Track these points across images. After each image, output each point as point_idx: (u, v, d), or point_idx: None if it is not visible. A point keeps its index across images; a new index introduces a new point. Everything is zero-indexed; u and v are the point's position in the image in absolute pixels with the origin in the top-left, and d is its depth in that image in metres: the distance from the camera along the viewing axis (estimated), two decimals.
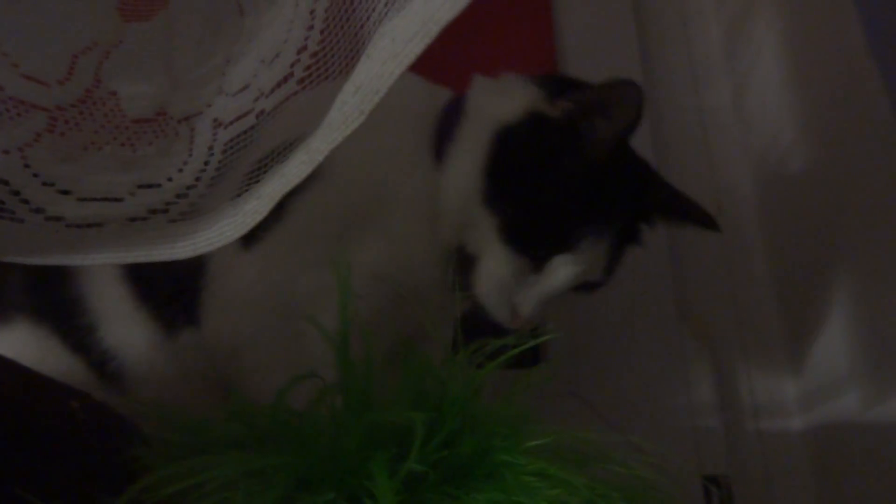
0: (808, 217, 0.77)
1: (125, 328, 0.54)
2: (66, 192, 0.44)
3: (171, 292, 0.53)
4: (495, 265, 0.53)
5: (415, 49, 0.30)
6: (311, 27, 0.37)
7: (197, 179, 0.44)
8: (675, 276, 0.82)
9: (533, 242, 0.53)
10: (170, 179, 0.45)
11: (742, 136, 0.89)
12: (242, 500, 0.32)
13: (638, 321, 0.79)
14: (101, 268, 0.53)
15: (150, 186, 0.44)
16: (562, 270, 0.54)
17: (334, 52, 0.37)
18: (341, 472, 0.34)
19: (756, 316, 0.81)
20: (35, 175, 0.43)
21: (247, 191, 0.41)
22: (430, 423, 0.35)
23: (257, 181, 0.40)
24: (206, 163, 0.43)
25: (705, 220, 0.61)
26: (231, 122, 0.43)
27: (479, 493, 0.34)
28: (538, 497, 0.34)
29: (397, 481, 0.33)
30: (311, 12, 0.37)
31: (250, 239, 0.52)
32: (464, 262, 0.54)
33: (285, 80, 0.40)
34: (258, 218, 0.38)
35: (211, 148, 0.44)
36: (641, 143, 0.88)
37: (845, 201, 0.71)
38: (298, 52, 0.38)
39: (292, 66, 0.39)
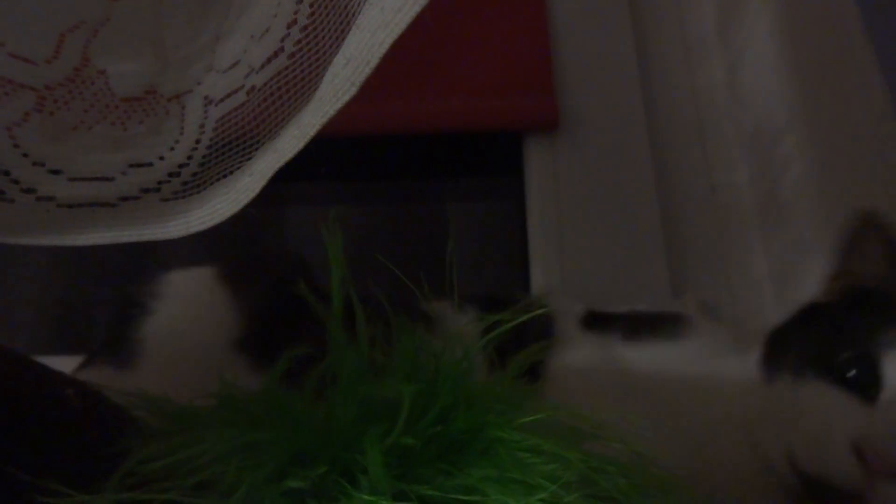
0: (801, 192, 0.77)
1: None
2: (56, 172, 0.44)
3: None
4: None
5: (405, 17, 0.29)
6: (301, 0, 0.37)
7: (189, 158, 0.43)
8: (669, 254, 0.82)
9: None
10: (161, 158, 0.44)
11: (735, 115, 0.89)
12: (235, 474, 0.32)
13: (632, 300, 0.79)
14: None
15: (141, 165, 0.44)
16: None
17: (325, 26, 0.36)
18: (335, 448, 0.34)
19: (750, 294, 0.81)
20: (25, 155, 0.43)
21: (239, 168, 0.40)
22: (423, 399, 0.34)
23: (250, 158, 0.40)
24: (197, 141, 0.43)
25: None
26: (222, 100, 0.43)
27: (473, 468, 0.34)
28: (532, 473, 0.33)
29: (389, 456, 0.33)
30: None
31: None
32: None
33: (275, 55, 0.39)
34: (251, 195, 0.38)
35: (202, 126, 0.43)
36: (635, 122, 0.89)
37: (834, 172, 0.71)
38: (288, 27, 0.38)
39: (282, 40, 0.39)
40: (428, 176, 0.97)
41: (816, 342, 0.44)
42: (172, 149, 0.44)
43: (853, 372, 0.41)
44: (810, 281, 0.73)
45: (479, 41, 0.92)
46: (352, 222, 0.97)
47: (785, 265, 0.79)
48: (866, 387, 0.41)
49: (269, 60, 0.40)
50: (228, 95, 0.42)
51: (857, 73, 0.77)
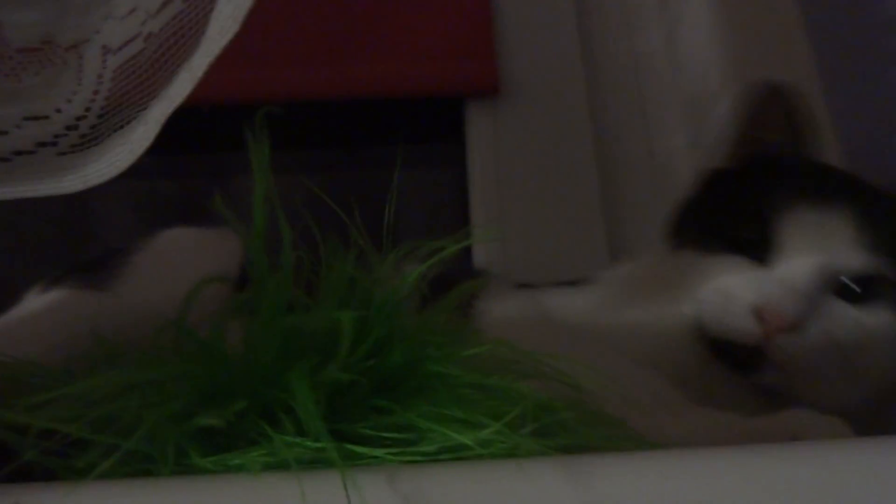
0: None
1: None
2: None
3: None
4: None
5: None
6: None
7: (87, 110, 0.42)
8: (607, 218, 0.83)
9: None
10: (58, 111, 0.42)
11: (673, 80, 0.89)
12: (135, 411, 0.30)
13: (569, 262, 0.79)
14: None
15: (36, 119, 0.42)
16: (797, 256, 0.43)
17: None
18: (254, 384, 0.31)
19: None
20: None
21: (135, 118, 0.39)
22: (356, 331, 0.31)
23: (146, 107, 0.38)
24: (95, 92, 0.41)
25: None
26: (120, 48, 0.41)
27: (409, 405, 0.31)
28: (473, 409, 0.31)
29: (317, 393, 0.30)
30: None
31: None
32: None
33: None
34: (145, 144, 0.37)
35: (100, 76, 0.42)
36: (575, 87, 0.88)
37: None
38: None
39: None
40: (369, 143, 0.96)
41: (718, 211, 0.47)
42: (70, 101, 0.42)
43: (752, 238, 0.44)
44: None
45: (418, 5, 0.90)
46: (291, 190, 0.95)
47: None
48: (764, 252, 0.44)
49: (164, 5, 0.38)
50: (126, 43, 0.41)
51: (786, 39, 0.78)
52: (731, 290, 0.44)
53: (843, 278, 0.44)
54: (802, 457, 0.29)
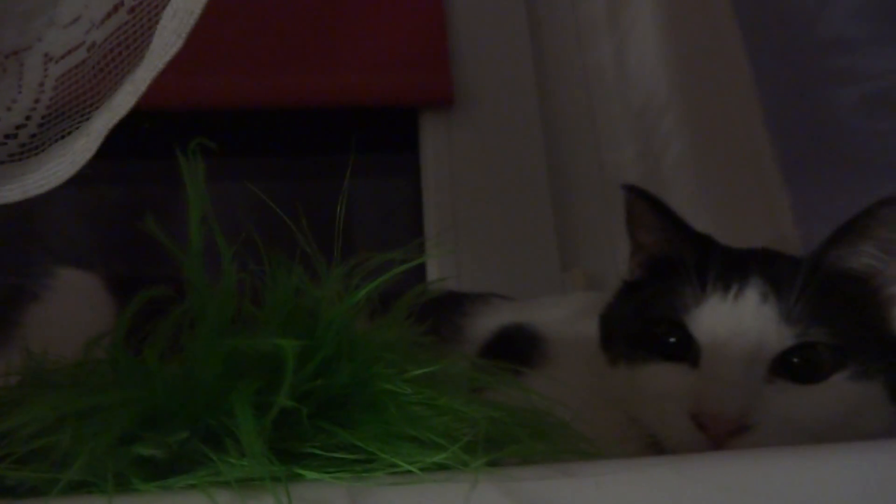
0: (679, 168, 0.80)
1: None
2: None
3: None
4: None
5: None
6: None
7: (27, 118, 0.41)
8: (558, 229, 0.85)
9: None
10: None
11: (622, 93, 0.92)
12: (70, 443, 0.29)
13: (521, 272, 0.81)
14: None
15: None
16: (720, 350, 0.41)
17: None
18: (195, 408, 0.31)
19: None
20: None
21: (77, 128, 0.38)
22: (302, 350, 0.31)
23: (88, 118, 0.38)
24: (36, 100, 0.41)
25: None
26: (62, 57, 0.40)
27: (358, 422, 0.31)
28: (424, 427, 0.31)
29: (264, 418, 0.29)
30: None
31: None
32: None
33: (115, 9, 0.37)
34: (87, 156, 0.36)
35: (42, 84, 0.41)
36: (527, 99, 0.90)
37: (708, 149, 0.75)
38: None
39: None
40: (324, 152, 0.95)
41: (633, 322, 0.47)
42: (9, 109, 0.41)
43: (674, 342, 0.43)
44: None
45: (373, 16, 0.91)
46: (243, 198, 0.94)
47: None
48: (688, 352, 0.43)
49: (109, 15, 0.38)
50: (69, 52, 0.40)
51: (728, 56, 0.81)
52: (666, 399, 0.42)
53: (777, 356, 0.41)
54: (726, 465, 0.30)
